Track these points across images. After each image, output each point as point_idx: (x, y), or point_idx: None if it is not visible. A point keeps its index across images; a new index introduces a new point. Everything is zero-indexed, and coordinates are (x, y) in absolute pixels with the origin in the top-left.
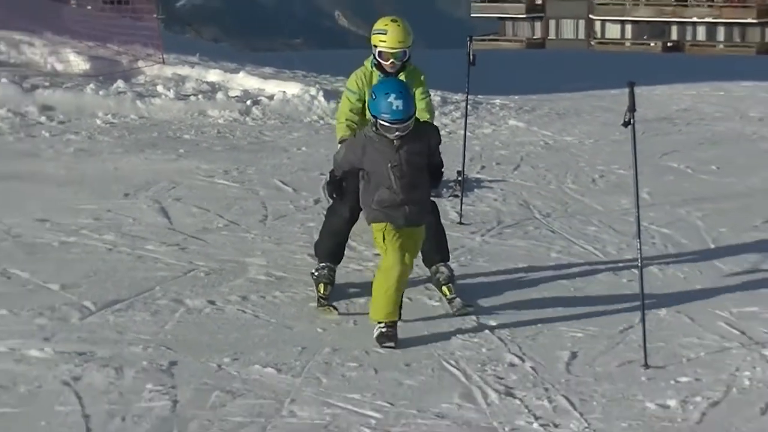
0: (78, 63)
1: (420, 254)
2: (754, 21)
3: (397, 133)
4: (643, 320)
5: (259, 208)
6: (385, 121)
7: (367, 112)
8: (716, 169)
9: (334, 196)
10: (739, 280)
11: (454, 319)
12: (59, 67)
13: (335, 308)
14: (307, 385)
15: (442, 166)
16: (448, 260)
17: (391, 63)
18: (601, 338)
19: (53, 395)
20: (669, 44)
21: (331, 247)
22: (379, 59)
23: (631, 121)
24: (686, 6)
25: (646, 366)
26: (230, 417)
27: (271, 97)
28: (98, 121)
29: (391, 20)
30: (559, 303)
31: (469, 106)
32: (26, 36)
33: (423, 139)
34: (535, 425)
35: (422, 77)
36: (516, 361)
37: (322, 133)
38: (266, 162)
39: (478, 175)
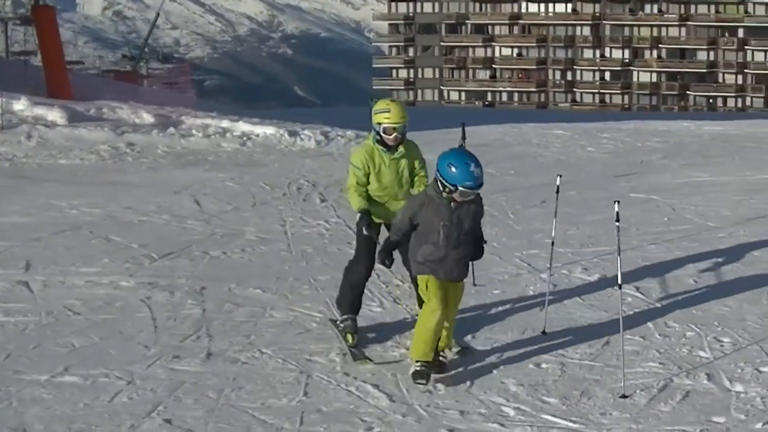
0: (148, 118)
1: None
2: (534, 89)
3: (470, 197)
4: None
5: (251, 198)
6: (467, 188)
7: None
8: (513, 173)
9: (386, 263)
10: (528, 234)
11: None
12: (137, 120)
13: (370, 359)
14: (280, 299)
15: (483, 239)
16: None
17: (394, 137)
18: None
19: (135, 307)
20: (486, 103)
21: (353, 300)
22: (383, 134)
23: (463, 144)
24: (496, 80)
25: (474, 285)
26: (236, 318)
27: (257, 135)
28: (159, 151)
29: (391, 101)
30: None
31: None
32: (118, 104)
33: (472, 206)
34: (411, 320)
35: (417, 147)
36: (398, 282)
37: (286, 155)
38: (256, 172)
39: None
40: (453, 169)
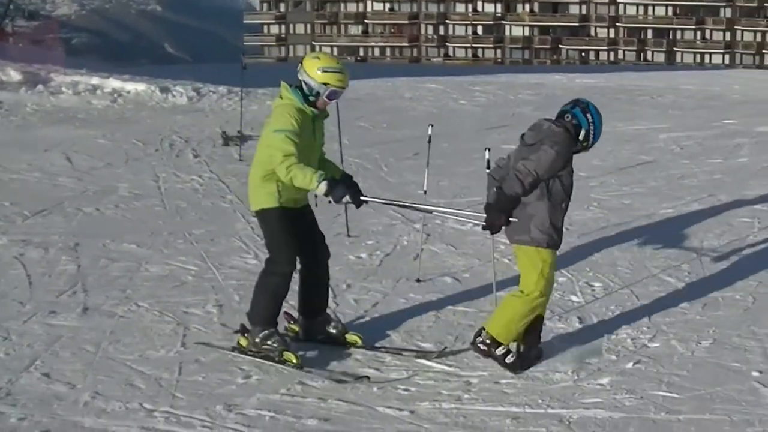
0: (15, 75)
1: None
2: (406, 44)
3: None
4: (345, 210)
5: (123, 155)
6: (593, 145)
7: None
8: (386, 126)
9: (510, 220)
10: (401, 186)
11: None
12: (4, 78)
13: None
14: (155, 254)
15: None
16: None
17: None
18: (322, 221)
19: (8, 264)
20: (358, 58)
21: (274, 310)
22: (324, 97)
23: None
24: (368, 36)
25: (349, 236)
26: (111, 273)
27: (128, 92)
28: (28, 109)
29: (338, 61)
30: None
31: (243, 94)
32: None
33: None
34: None
35: None
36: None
37: (158, 112)
38: (127, 129)
39: (250, 132)
40: (595, 126)
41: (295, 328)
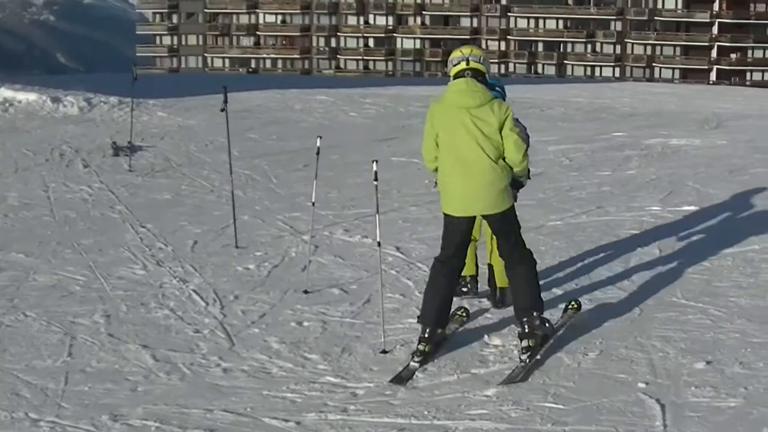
0: None
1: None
2: (298, 56)
3: None
4: (234, 221)
5: (13, 164)
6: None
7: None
8: (275, 138)
9: None
10: (290, 197)
11: None
12: None
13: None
14: (43, 263)
15: None
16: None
17: None
18: (210, 232)
19: None
20: (250, 69)
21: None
22: None
23: (225, 109)
24: (260, 47)
25: (237, 247)
26: None
27: (20, 102)
28: None
29: None
30: (187, 216)
31: (134, 104)
32: None
33: None
34: (174, 282)
35: None
36: (162, 245)
37: (48, 122)
38: (18, 138)
39: (140, 143)
40: None
41: None
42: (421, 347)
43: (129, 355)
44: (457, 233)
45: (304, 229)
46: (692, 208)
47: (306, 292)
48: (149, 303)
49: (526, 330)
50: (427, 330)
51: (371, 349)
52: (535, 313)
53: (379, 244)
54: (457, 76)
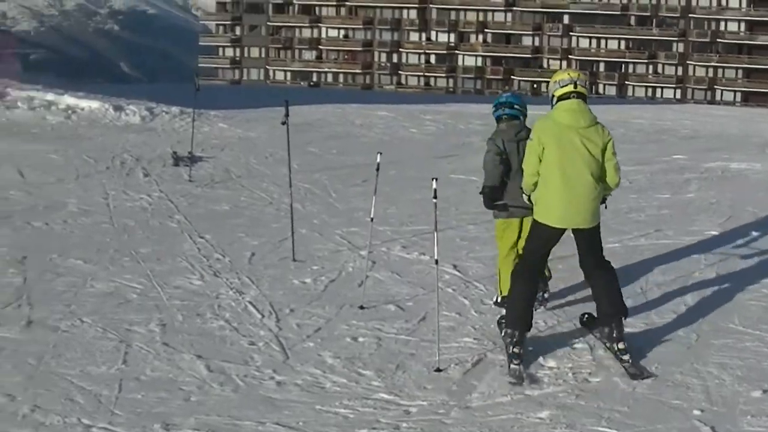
0: None
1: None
2: (359, 71)
3: None
4: (292, 234)
5: (74, 171)
6: (501, 110)
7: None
8: (335, 152)
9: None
10: (348, 212)
11: None
12: None
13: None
14: (101, 270)
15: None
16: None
17: None
18: (268, 244)
19: None
20: (311, 83)
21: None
22: None
23: (286, 122)
24: (322, 61)
25: (294, 260)
26: (56, 287)
27: (82, 109)
28: None
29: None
30: (245, 227)
31: (195, 115)
32: None
33: None
34: (231, 293)
35: None
36: (219, 256)
37: (110, 130)
38: (80, 145)
39: (200, 154)
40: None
41: None
42: (516, 350)
43: (183, 365)
44: (550, 242)
45: (362, 244)
46: (752, 233)
47: (362, 307)
48: (205, 313)
49: (616, 334)
50: (518, 333)
51: (425, 367)
52: (622, 318)
53: (436, 261)
54: (562, 97)
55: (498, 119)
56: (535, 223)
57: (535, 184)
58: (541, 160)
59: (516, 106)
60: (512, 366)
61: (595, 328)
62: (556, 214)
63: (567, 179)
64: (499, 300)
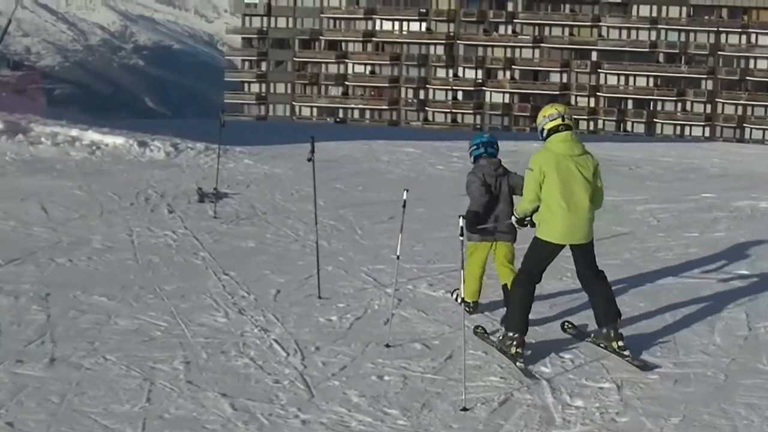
0: None
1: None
2: (386, 107)
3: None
4: (318, 272)
5: (98, 207)
6: (475, 152)
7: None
8: (361, 189)
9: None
10: (374, 249)
11: None
12: None
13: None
14: (125, 307)
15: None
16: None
17: None
18: (293, 282)
19: None
20: (337, 119)
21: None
22: None
23: (312, 158)
24: (348, 97)
25: (320, 297)
26: (80, 324)
27: (107, 145)
28: (6, 158)
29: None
30: (270, 264)
31: (221, 151)
32: None
33: None
34: (256, 330)
35: None
36: (244, 293)
37: (135, 166)
38: (104, 181)
39: (226, 190)
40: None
41: None
42: (520, 350)
43: (207, 403)
44: (551, 256)
45: (388, 281)
46: None
47: (388, 345)
48: (230, 351)
49: (614, 334)
50: (518, 335)
51: (451, 406)
52: (618, 319)
53: (463, 300)
54: (552, 129)
55: (478, 157)
56: (537, 240)
57: (534, 209)
58: (541, 187)
59: (495, 146)
60: (518, 364)
61: (590, 333)
62: (558, 232)
63: (567, 201)
64: (458, 301)
